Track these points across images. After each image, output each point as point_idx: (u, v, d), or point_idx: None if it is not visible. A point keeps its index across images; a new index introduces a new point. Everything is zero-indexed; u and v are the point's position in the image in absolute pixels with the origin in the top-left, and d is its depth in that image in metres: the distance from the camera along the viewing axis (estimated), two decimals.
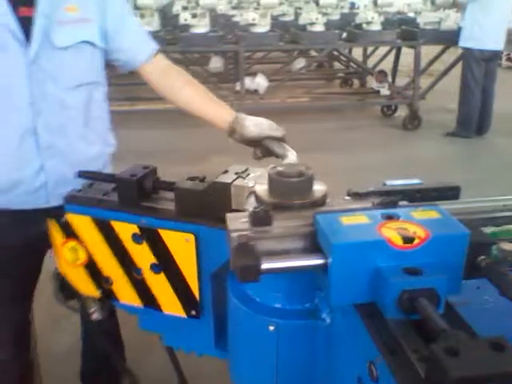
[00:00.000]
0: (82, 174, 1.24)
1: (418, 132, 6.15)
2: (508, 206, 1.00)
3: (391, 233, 0.75)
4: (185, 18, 5.82)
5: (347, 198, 1.00)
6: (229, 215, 0.88)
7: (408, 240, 0.74)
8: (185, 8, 6.16)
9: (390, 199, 0.91)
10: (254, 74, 6.62)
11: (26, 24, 1.31)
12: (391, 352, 0.69)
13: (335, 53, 8.15)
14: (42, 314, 1.79)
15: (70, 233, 1.18)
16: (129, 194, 1.13)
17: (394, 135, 6.05)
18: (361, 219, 0.79)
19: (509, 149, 5.50)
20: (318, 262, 0.77)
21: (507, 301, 0.72)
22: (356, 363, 0.78)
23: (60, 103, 1.40)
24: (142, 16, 5.81)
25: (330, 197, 0.98)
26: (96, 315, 1.28)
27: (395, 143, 5.72)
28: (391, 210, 0.83)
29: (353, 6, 7.38)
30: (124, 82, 5.79)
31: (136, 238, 1.11)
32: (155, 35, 4.39)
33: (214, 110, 1.47)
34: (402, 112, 6.47)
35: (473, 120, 5.77)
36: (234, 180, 1.06)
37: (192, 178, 1.10)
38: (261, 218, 0.84)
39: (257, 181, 1.02)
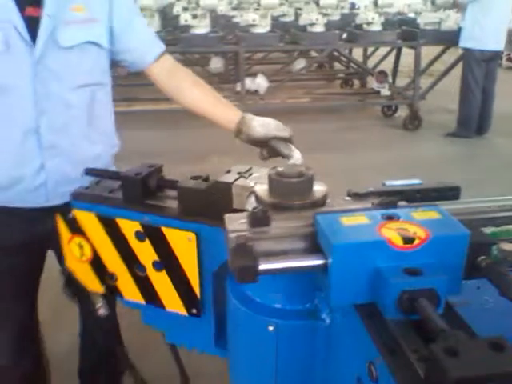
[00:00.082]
0: (89, 172, 1.25)
1: (418, 132, 6.15)
2: (508, 206, 1.00)
3: (391, 233, 0.75)
4: (185, 18, 5.84)
5: (347, 198, 1.00)
6: (227, 216, 0.88)
7: (408, 240, 0.74)
8: (185, 9, 6.18)
9: (389, 199, 0.91)
10: (254, 75, 6.61)
11: (32, 24, 1.31)
12: (391, 352, 0.69)
13: (335, 53, 8.16)
14: (44, 312, 1.81)
15: (76, 229, 1.18)
16: (133, 192, 1.13)
17: (394, 135, 6.05)
18: (361, 220, 0.80)
19: (509, 149, 5.50)
20: (318, 262, 0.77)
21: (507, 301, 0.72)
22: (356, 363, 0.78)
23: (64, 103, 1.40)
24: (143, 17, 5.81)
25: (330, 197, 0.98)
26: (102, 311, 1.29)
27: (395, 143, 5.72)
28: (391, 210, 0.83)
29: (353, 6, 7.41)
30: (121, 83, 5.79)
31: (139, 236, 1.11)
32: None
33: (221, 110, 1.47)
34: (403, 112, 6.48)
35: (473, 120, 5.77)
36: (236, 180, 1.06)
37: (195, 177, 1.10)
38: (259, 219, 0.84)
39: (257, 181, 1.02)
